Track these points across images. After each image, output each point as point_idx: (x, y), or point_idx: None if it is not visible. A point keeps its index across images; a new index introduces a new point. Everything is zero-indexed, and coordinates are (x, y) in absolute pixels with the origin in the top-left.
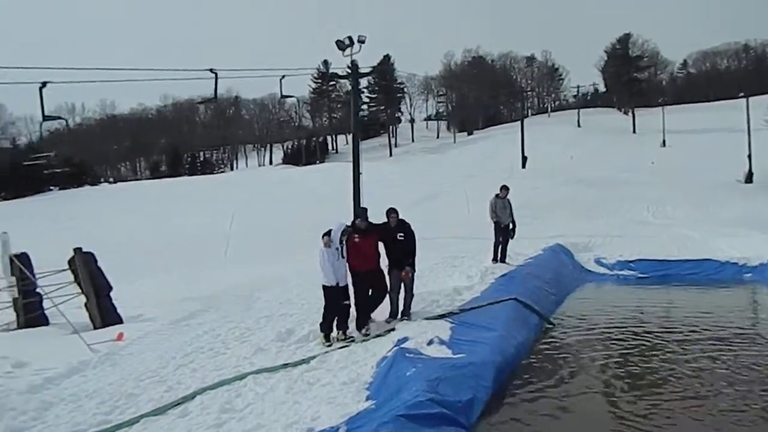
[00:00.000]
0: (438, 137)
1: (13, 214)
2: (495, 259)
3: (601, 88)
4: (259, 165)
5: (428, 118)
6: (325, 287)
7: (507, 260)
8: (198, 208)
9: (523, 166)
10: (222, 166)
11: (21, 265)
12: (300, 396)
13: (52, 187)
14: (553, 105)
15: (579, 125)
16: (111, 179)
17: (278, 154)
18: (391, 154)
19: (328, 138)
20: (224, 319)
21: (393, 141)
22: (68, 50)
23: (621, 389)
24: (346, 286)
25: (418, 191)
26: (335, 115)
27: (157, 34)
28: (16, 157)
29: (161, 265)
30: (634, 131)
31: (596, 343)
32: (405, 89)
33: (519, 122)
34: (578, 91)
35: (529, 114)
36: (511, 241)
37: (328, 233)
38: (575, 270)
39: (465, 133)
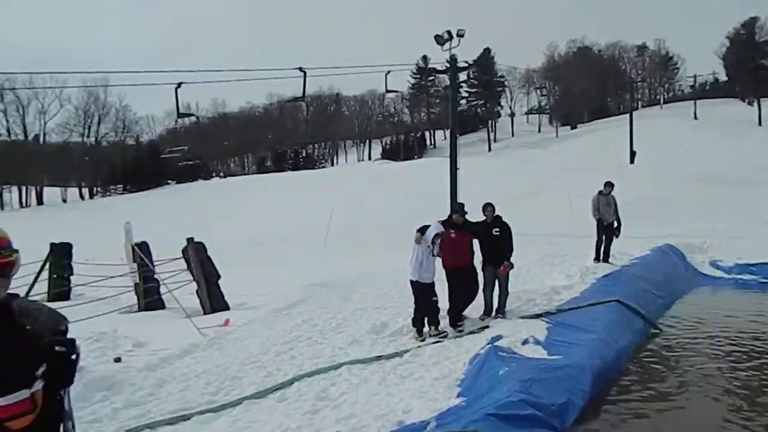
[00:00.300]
0: (539, 131)
1: (136, 206)
2: (597, 259)
3: (722, 77)
4: (359, 160)
5: (529, 112)
6: (412, 282)
7: (610, 260)
8: (300, 202)
9: (632, 161)
10: (323, 161)
11: (141, 253)
12: (392, 388)
13: (169, 181)
14: (666, 96)
15: (695, 117)
16: (221, 174)
17: (377, 149)
18: (490, 149)
19: (426, 133)
20: (322, 310)
21: (492, 136)
22: (187, 51)
23: (732, 405)
24: (433, 283)
25: (518, 187)
26: (434, 110)
27: (261, 34)
28: (140, 153)
29: (266, 256)
30: (759, 123)
31: (707, 352)
32: (505, 83)
33: (627, 115)
34: (695, 81)
35: (639, 106)
36: (615, 240)
37: (421, 229)
38: (687, 273)
39: (568, 127)
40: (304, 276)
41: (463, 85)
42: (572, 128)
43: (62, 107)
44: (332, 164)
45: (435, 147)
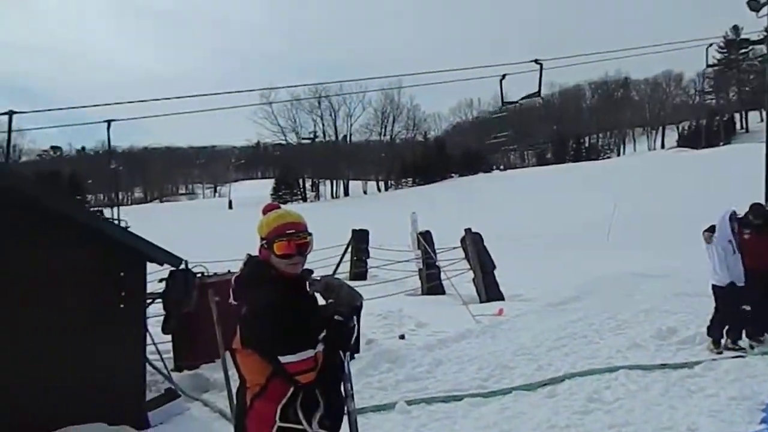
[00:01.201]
0: None
1: (423, 197)
2: None
3: None
4: (649, 149)
5: None
6: (714, 287)
7: None
8: (582, 195)
9: None
10: (608, 151)
11: (425, 241)
12: (677, 402)
13: (452, 175)
14: None
15: None
16: (501, 167)
17: (672, 136)
18: None
19: (737, 116)
20: (600, 308)
21: None
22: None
23: None
24: (743, 287)
25: None
26: (746, 89)
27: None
28: (428, 149)
29: (543, 250)
30: None
31: None
32: None
33: None
34: None
35: None
36: None
37: (710, 229)
38: None
39: None
40: (583, 271)
41: None
42: None
43: (364, 110)
44: (618, 154)
45: (747, 131)
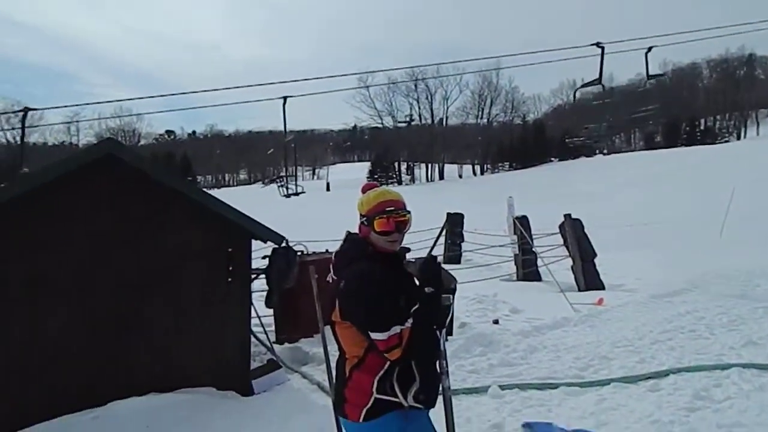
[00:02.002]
0: None
1: (520, 182)
2: None
3: None
4: None
5: None
6: None
7: None
8: (692, 182)
9: None
10: (726, 135)
11: (521, 226)
12: None
13: (552, 159)
14: None
15: None
16: (605, 151)
17: None
18: None
19: None
20: (712, 303)
21: None
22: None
23: None
24: None
25: None
26: None
27: None
28: (526, 132)
29: (649, 239)
30: None
31: None
32: None
33: None
34: None
35: None
36: None
37: None
38: None
39: None
40: (693, 263)
41: None
42: None
43: (461, 93)
44: (738, 138)
45: None
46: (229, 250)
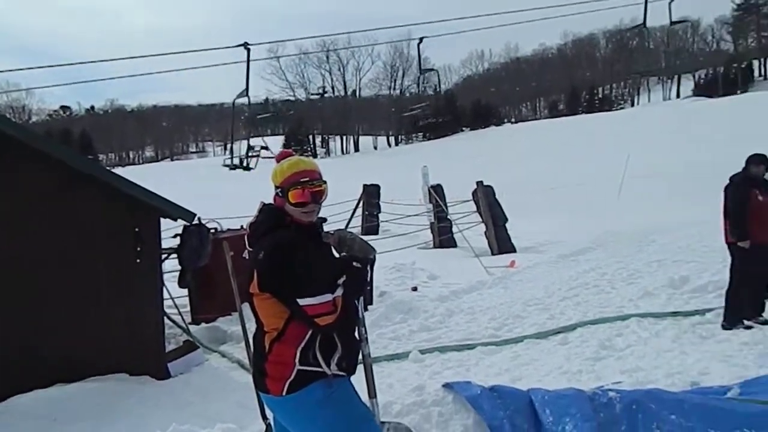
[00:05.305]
0: None
1: (432, 151)
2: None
3: None
4: (664, 99)
5: None
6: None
7: None
8: (593, 148)
9: None
10: (621, 102)
11: (436, 195)
12: (688, 347)
13: (463, 129)
14: None
15: None
16: (512, 120)
17: (687, 86)
18: None
19: (754, 63)
20: (612, 259)
21: None
22: None
23: None
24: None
25: None
26: (766, 34)
27: None
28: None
29: (556, 203)
30: None
31: None
32: None
33: None
34: None
35: None
36: None
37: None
38: None
39: None
40: (595, 224)
41: None
42: None
43: (373, 64)
44: (632, 105)
45: (766, 78)
46: (136, 229)
